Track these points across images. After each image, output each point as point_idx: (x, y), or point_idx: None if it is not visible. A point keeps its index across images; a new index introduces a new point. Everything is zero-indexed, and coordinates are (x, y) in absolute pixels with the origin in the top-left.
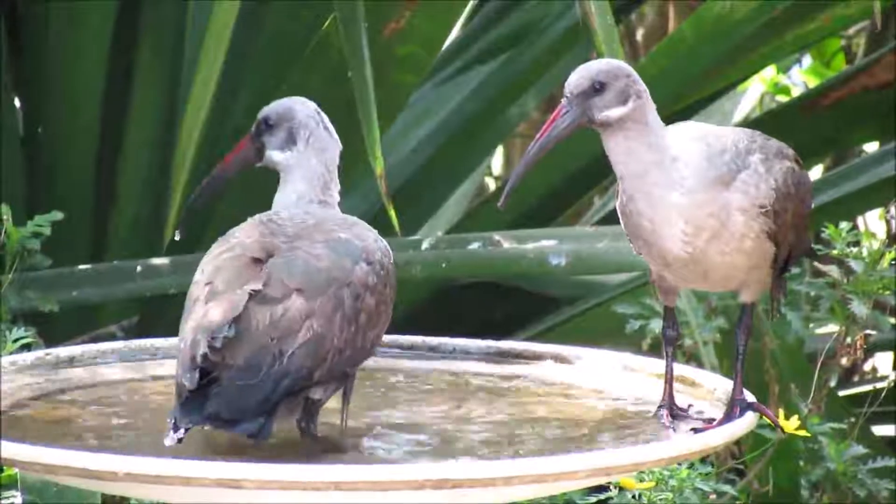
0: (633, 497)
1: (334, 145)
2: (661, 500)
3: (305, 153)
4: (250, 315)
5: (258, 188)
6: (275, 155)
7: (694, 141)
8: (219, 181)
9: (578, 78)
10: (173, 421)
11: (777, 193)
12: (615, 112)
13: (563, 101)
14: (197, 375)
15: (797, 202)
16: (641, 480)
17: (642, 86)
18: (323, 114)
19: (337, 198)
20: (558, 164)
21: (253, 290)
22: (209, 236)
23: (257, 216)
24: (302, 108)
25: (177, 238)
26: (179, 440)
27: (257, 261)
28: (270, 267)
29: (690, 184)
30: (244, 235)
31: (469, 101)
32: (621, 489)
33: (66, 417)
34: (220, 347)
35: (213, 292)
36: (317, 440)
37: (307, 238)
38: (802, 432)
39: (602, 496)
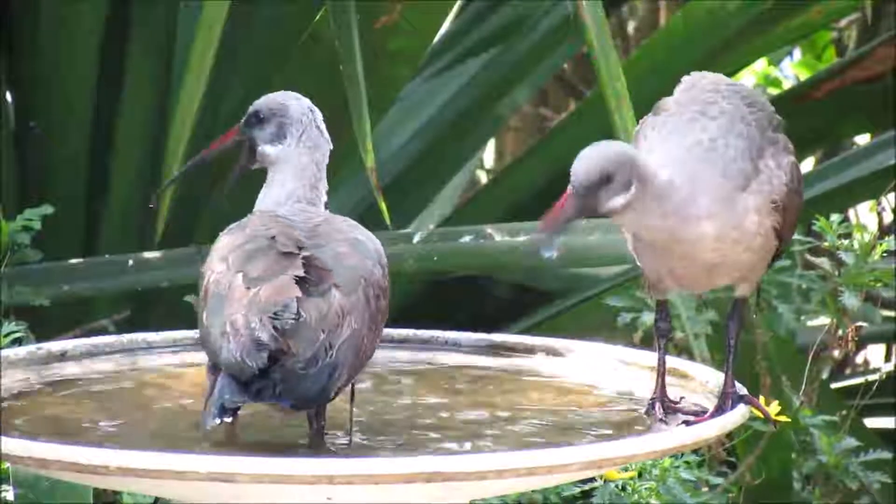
0: (617, 486)
1: (325, 144)
2: (645, 489)
3: (297, 149)
4: (302, 306)
5: (249, 183)
6: (267, 149)
7: (703, 162)
8: (200, 164)
9: (586, 171)
10: (221, 402)
11: (787, 189)
12: (619, 200)
13: (570, 188)
14: (266, 356)
15: (798, 197)
16: (626, 470)
17: (642, 164)
18: (316, 111)
19: (324, 198)
20: (549, 158)
21: (297, 276)
22: (200, 231)
23: (261, 213)
24: (296, 103)
25: (150, 206)
26: (223, 421)
27: (288, 254)
28: (305, 260)
29: (715, 209)
30: (261, 229)
31: (461, 94)
32: (606, 480)
33: (58, 412)
34: (286, 328)
35: (251, 278)
36: (322, 435)
37: (326, 236)
38: (784, 418)
39: (587, 486)
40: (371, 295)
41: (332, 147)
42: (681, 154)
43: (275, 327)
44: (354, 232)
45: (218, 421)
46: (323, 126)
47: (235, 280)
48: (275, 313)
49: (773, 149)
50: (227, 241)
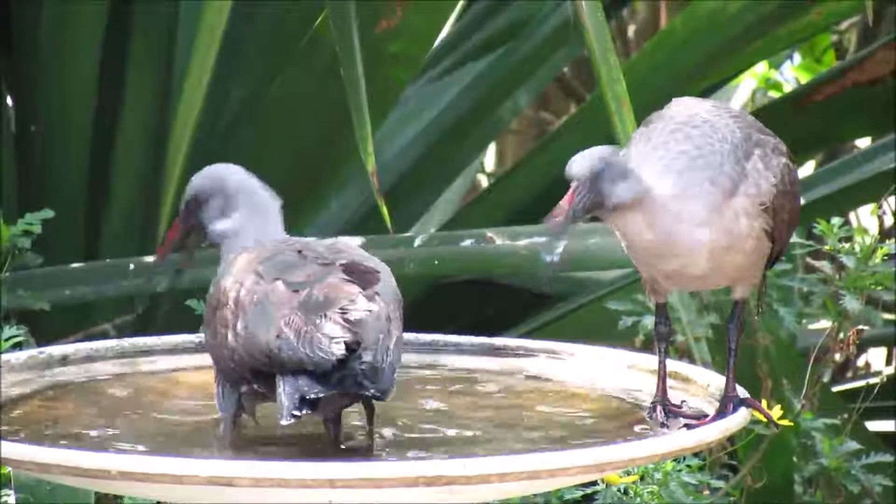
0: (619, 490)
1: (275, 202)
2: (648, 492)
3: (252, 217)
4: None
5: None
6: (217, 226)
7: (691, 170)
8: (173, 270)
9: (581, 166)
10: (297, 397)
11: (776, 190)
12: (628, 194)
13: (574, 183)
14: (343, 347)
15: (792, 199)
16: (628, 474)
17: (636, 169)
18: (252, 176)
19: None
20: (550, 161)
21: (346, 279)
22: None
23: (267, 241)
24: (229, 173)
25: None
26: (302, 414)
27: (325, 264)
28: (345, 267)
29: (707, 217)
30: (282, 247)
31: (461, 97)
32: (608, 484)
33: (59, 416)
34: (358, 320)
35: (296, 283)
36: (339, 439)
37: (343, 253)
38: (786, 421)
39: (589, 490)
40: (399, 306)
41: (282, 202)
42: (668, 164)
43: (346, 319)
44: (362, 252)
45: (299, 413)
46: (265, 186)
47: (276, 287)
48: (342, 307)
49: (760, 151)
50: (249, 257)
